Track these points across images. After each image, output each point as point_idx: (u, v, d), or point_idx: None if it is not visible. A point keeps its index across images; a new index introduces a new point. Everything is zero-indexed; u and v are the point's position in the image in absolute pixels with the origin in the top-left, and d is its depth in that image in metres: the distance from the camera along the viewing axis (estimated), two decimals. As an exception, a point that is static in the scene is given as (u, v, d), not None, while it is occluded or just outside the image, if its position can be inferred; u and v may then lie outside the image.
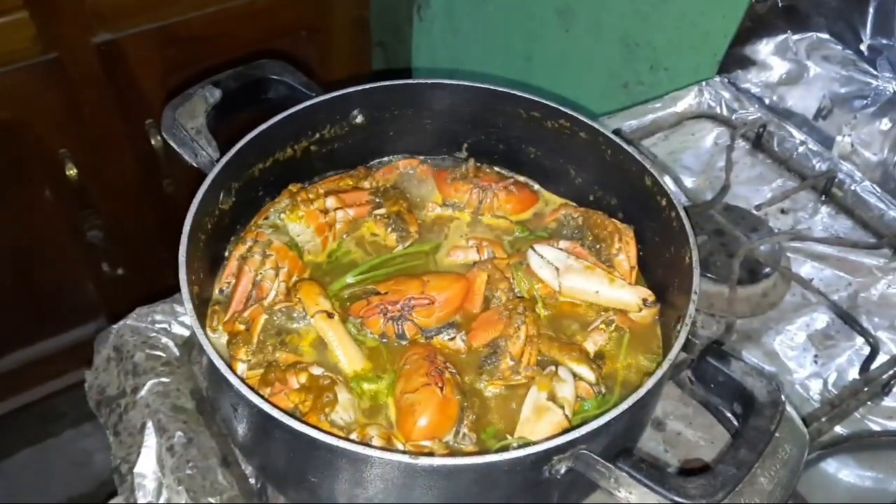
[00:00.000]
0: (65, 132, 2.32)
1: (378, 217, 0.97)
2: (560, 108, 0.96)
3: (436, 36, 2.24)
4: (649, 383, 0.70)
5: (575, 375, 0.83)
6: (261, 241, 0.90)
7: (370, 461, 0.66)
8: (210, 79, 0.94)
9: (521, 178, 1.05)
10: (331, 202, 0.95)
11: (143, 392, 0.98)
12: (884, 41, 1.17)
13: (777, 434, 0.68)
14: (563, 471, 0.68)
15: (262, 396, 0.69)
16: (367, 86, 0.97)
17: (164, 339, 1.03)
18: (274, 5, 2.36)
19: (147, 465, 0.93)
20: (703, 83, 1.41)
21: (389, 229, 0.96)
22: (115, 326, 1.06)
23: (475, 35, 2.08)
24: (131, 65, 2.32)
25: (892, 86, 1.19)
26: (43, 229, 2.47)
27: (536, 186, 1.05)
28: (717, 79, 1.42)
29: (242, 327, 0.85)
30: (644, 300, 0.89)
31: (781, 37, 1.32)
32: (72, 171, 2.36)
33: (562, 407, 0.78)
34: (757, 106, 1.36)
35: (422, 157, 1.05)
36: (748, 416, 0.70)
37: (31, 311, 2.57)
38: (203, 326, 0.74)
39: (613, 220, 0.95)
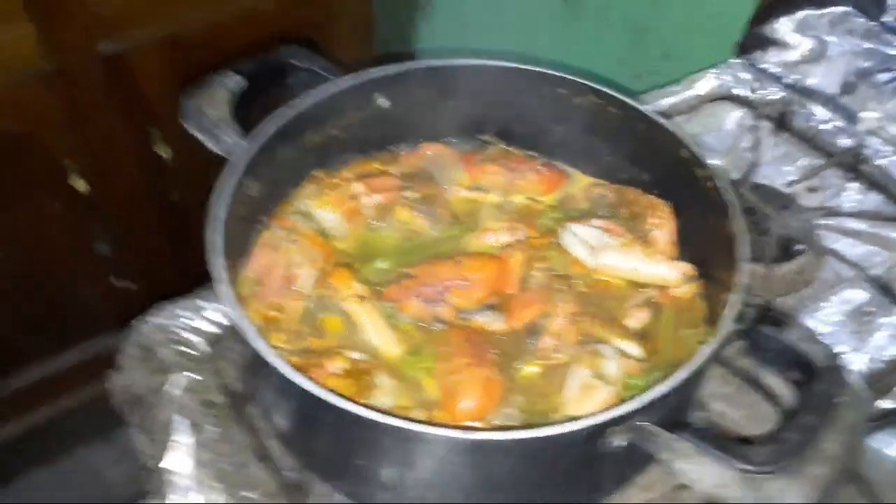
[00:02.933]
0: (71, 143, 2.30)
1: (407, 201, 0.95)
2: (588, 83, 0.94)
3: (439, 32, 2.24)
4: (707, 350, 0.68)
5: (620, 352, 0.81)
6: (289, 228, 0.87)
7: (423, 438, 0.64)
8: (229, 66, 0.92)
9: (550, 160, 1.03)
10: (358, 187, 0.93)
11: (171, 388, 0.95)
12: (908, 12, 1.15)
13: (839, 398, 0.66)
14: (616, 444, 0.66)
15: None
16: (390, 67, 0.95)
17: (189, 335, 1.01)
18: (276, 9, 2.35)
19: (178, 461, 0.90)
20: (722, 65, 1.39)
21: (418, 213, 0.94)
22: (139, 324, 1.03)
23: (481, 29, 2.07)
24: (135, 73, 2.31)
25: (918, 56, 1.17)
26: (51, 242, 2.45)
27: (566, 167, 1.03)
28: (736, 60, 1.40)
29: (274, 313, 0.82)
30: (685, 275, 0.87)
31: (801, 14, 1.30)
32: (79, 183, 2.34)
33: (612, 384, 0.76)
34: (779, 86, 1.34)
35: (448, 140, 1.03)
36: (809, 382, 0.67)
37: (41, 327, 2.56)
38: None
39: (648, 195, 0.93)
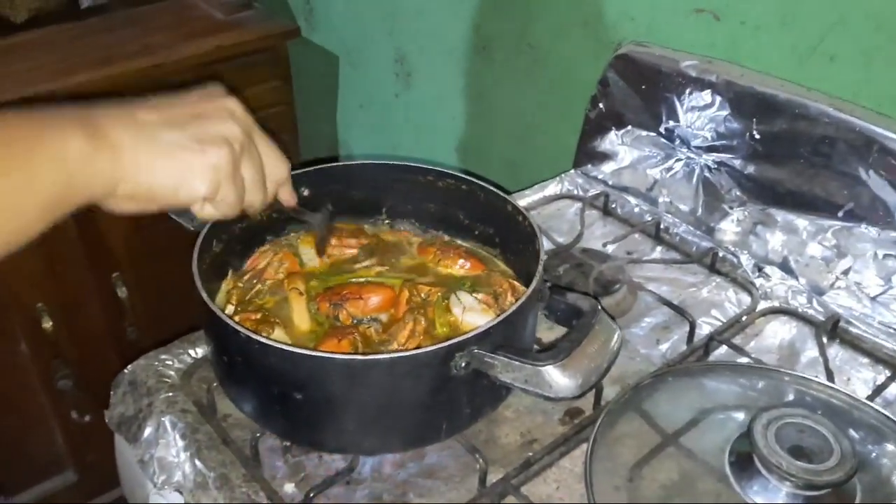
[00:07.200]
0: (41, 287, 2.60)
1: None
2: (445, 170, 1.38)
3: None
4: (514, 306, 1.07)
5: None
6: (277, 246, 1.36)
7: (315, 363, 1.01)
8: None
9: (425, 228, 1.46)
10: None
11: (155, 404, 1.28)
12: (673, 123, 1.66)
13: (596, 326, 1.06)
14: (463, 365, 1.03)
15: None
16: (310, 168, 1.37)
17: (170, 371, 1.35)
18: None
19: (165, 451, 1.22)
20: (563, 174, 1.87)
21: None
22: (128, 368, 1.37)
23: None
24: (100, 222, 2.66)
25: (685, 153, 1.67)
26: (16, 380, 2.69)
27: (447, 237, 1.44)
28: (573, 171, 1.88)
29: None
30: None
31: (611, 134, 1.80)
32: (47, 324, 2.63)
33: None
34: (603, 187, 1.83)
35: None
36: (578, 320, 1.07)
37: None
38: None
39: (510, 279, 1.31)
